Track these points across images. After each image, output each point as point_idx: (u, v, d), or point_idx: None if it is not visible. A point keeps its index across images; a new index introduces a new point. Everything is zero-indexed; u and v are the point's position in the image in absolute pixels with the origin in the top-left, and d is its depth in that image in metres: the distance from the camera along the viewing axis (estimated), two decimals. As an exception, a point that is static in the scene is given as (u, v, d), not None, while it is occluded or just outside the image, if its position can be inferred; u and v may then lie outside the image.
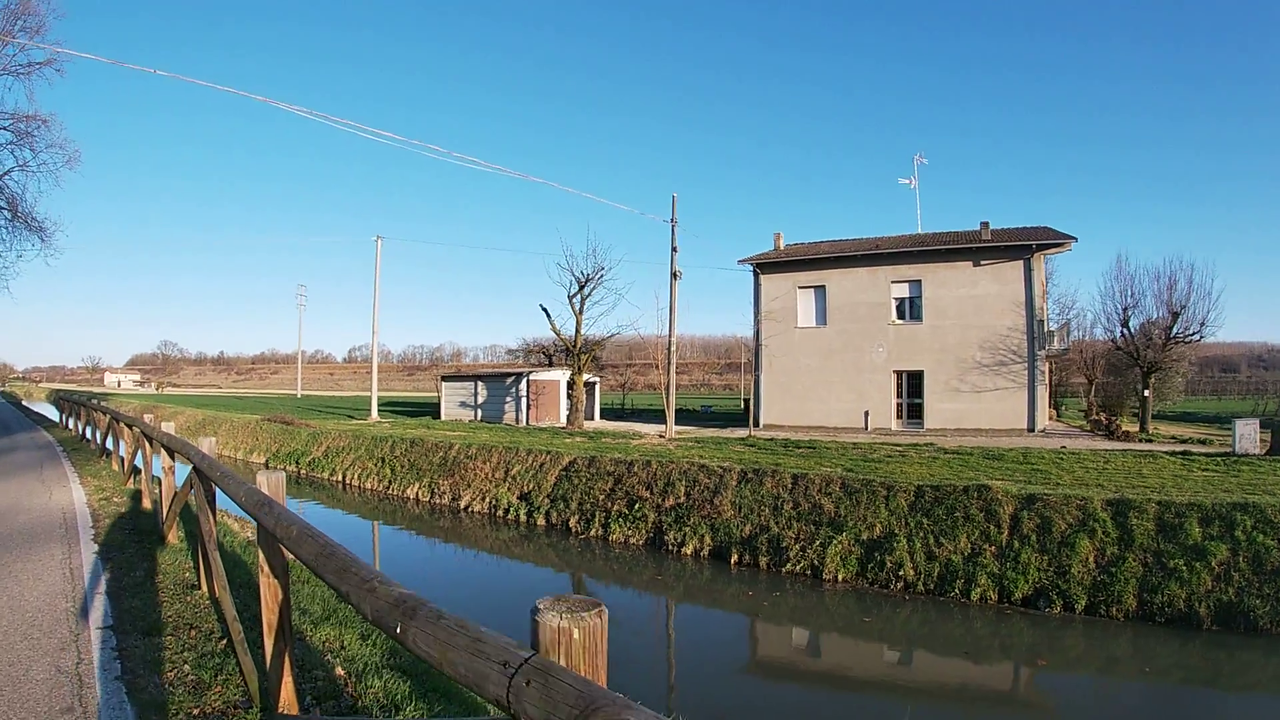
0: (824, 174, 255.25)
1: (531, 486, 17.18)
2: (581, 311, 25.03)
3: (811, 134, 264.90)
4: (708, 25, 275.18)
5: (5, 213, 23.67)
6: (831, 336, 26.82)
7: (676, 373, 22.69)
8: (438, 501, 18.46)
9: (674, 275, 23.99)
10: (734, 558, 12.71)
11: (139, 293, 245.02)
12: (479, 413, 29.87)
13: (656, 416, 35.79)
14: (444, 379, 31.30)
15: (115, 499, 10.34)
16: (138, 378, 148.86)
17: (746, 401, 51.69)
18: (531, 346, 46.81)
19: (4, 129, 22.74)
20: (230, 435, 30.44)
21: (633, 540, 14.25)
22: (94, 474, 12.94)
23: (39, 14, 22.25)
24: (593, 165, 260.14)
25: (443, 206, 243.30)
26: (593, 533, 14.92)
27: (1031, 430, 23.75)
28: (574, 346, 25.34)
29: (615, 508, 15.20)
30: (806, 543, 12.24)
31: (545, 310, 25.57)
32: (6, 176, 23.46)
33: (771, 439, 22.16)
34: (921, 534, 11.45)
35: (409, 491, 19.30)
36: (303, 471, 23.43)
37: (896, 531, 11.65)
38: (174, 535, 7.79)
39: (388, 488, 20.03)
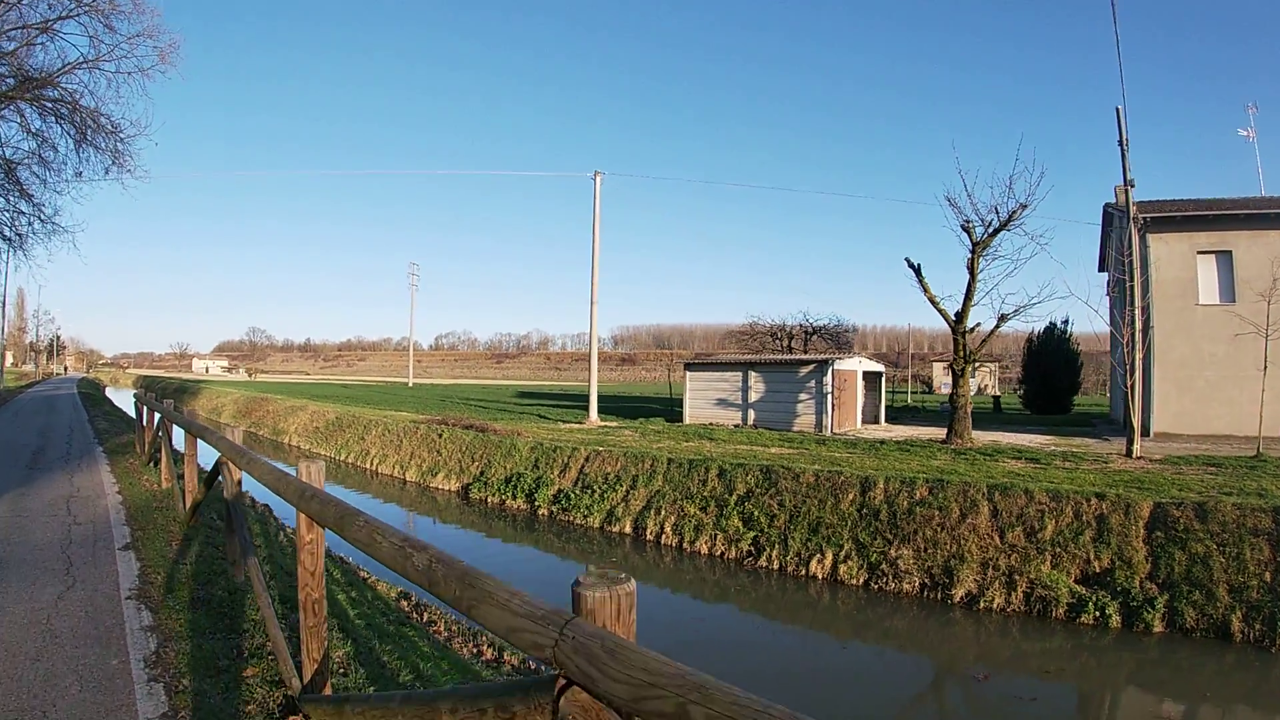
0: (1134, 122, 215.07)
1: (1107, 560, 8.71)
2: (977, 271, 15.97)
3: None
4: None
5: (61, 117, 16.03)
6: (1244, 317, 18.92)
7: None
8: (893, 585, 9.87)
9: (1132, 220, 14.91)
10: None
11: (226, 265, 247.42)
12: (750, 414, 20.94)
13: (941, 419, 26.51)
14: (689, 368, 22.35)
15: None
16: (225, 364, 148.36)
17: (1010, 399, 41.81)
18: (753, 327, 37.25)
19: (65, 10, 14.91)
20: (387, 443, 22.64)
21: None
22: None
23: None
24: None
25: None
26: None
27: None
28: (960, 322, 16.31)
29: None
30: None
31: (914, 266, 16.54)
32: (63, 75, 15.79)
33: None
34: None
35: (815, 566, 10.68)
36: (542, 510, 15.14)
37: None
38: None
39: (748, 555, 11.48)
